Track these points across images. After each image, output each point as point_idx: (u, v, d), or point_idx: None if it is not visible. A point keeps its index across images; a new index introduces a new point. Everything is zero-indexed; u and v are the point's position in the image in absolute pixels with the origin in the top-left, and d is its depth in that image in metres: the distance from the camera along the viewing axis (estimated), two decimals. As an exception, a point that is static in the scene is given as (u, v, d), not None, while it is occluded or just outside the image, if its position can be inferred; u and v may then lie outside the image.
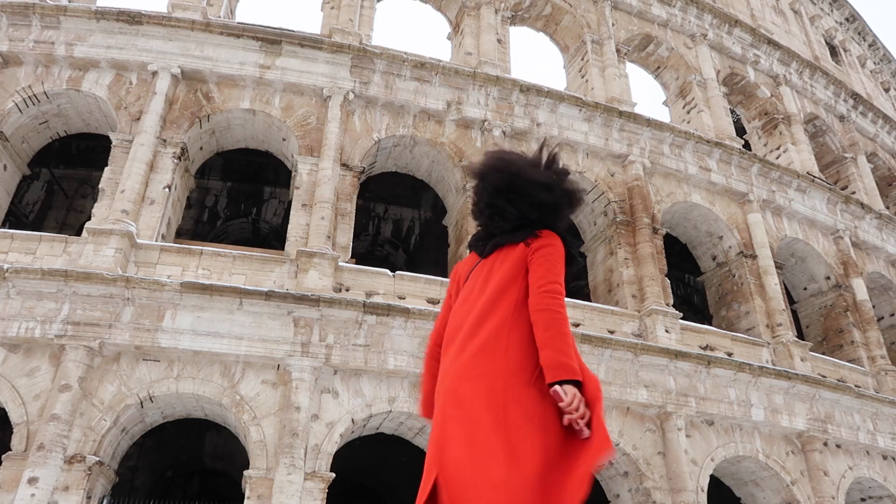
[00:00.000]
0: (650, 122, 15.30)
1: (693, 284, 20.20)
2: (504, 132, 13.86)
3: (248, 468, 9.81)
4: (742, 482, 13.38)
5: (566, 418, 2.14)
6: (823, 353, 15.74)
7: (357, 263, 12.09)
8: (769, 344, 14.08)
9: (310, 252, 11.16)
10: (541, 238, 2.46)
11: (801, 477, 12.78)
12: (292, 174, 12.87)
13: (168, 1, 13.63)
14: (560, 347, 2.24)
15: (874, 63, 28.01)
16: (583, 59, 17.23)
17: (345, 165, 12.59)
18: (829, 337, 16.59)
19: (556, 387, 2.16)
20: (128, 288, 10.14)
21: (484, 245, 2.57)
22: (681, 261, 17.41)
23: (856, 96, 22.46)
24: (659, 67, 18.92)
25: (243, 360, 10.35)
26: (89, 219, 11.26)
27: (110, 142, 12.09)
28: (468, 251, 2.69)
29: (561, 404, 2.14)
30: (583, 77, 17.02)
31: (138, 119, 12.06)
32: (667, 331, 12.68)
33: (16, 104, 12.20)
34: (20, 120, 12.45)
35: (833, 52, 25.46)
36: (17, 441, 9.21)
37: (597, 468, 2.16)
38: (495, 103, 14.16)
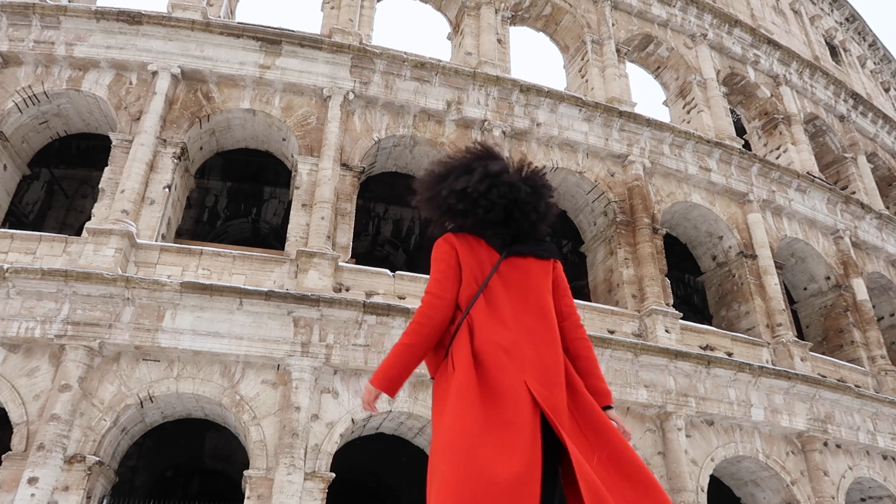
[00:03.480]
0: (650, 122, 15.31)
1: (693, 284, 20.20)
2: (504, 132, 13.86)
3: (248, 468, 9.82)
4: (742, 482, 13.38)
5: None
6: (823, 353, 15.74)
7: (357, 263, 12.09)
8: (769, 344, 14.07)
9: (310, 252, 11.16)
10: (559, 262, 2.69)
11: (801, 477, 12.78)
12: (292, 174, 12.87)
13: (168, 1, 13.63)
14: (602, 376, 2.55)
15: (874, 63, 28.01)
16: (583, 59, 17.23)
17: (345, 165, 12.59)
18: (829, 337, 16.59)
19: (610, 412, 2.46)
20: (128, 288, 10.14)
21: (502, 242, 2.60)
22: (681, 261, 17.41)
23: (856, 96, 22.46)
24: (659, 67, 18.92)
25: (243, 360, 10.35)
26: (89, 219, 11.26)
27: (110, 142, 12.09)
28: (469, 234, 2.64)
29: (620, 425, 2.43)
30: (583, 77, 17.02)
31: (138, 119, 12.06)
32: (667, 331, 12.68)
33: (16, 104, 12.20)
34: (20, 120, 12.45)
35: (833, 52, 25.46)
36: (17, 441, 9.21)
37: None
38: (495, 103, 14.16)
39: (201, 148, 13.25)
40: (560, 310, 2.58)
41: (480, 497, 2.04)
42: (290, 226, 11.91)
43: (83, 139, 15.06)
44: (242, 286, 10.54)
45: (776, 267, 15.27)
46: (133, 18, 12.74)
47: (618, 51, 17.18)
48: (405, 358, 2.42)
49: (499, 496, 2.03)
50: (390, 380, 2.42)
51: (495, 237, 2.60)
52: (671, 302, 13.39)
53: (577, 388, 2.40)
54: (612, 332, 12.49)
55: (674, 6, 18.81)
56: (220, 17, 13.99)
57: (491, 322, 2.40)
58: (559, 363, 2.40)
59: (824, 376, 13.96)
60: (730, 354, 13.32)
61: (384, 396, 10.50)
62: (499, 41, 15.78)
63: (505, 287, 2.50)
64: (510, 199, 2.60)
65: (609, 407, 2.46)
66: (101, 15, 12.68)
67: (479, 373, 2.30)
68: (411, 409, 10.68)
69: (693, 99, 17.99)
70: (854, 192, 19.81)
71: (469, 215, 2.60)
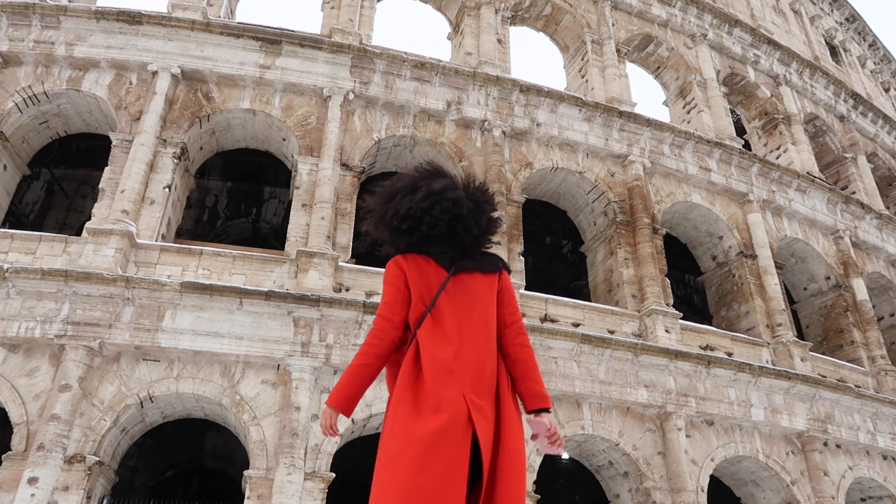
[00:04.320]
0: (650, 122, 15.30)
1: (693, 284, 20.20)
2: (504, 132, 13.86)
3: (248, 468, 9.82)
4: (742, 482, 13.38)
5: (554, 442, 2.55)
6: (823, 353, 15.74)
7: (357, 263, 12.09)
8: (769, 344, 14.07)
9: (310, 252, 11.16)
10: (505, 272, 2.79)
11: (801, 477, 12.78)
12: (292, 174, 12.87)
13: (168, 1, 13.63)
14: (541, 380, 2.63)
15: (874, 63, 28.01)
16: (583, 59, 17.23)
17: (345, 165, 12.59)
18: (829, 337, 16.58)
19: (545, 414, 2.54)
20: (128, 288, 10.14)
21: (450, 260, 2.71)
22: (681, 261, 17.41)
23: (856, 96, 22.46)
24: (659, 67, 18.92)
25: (243, 360, 10.35)
26: (89, 219, 11.26)
27: (110, 142, 12.09)
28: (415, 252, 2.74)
29: (548, 431, 2.52)
30: (583, 77, 17.02)
31: (138, 119, 12.06)
32: (667, 331, 12.68)
33: (16, 104, 12.20)
34: (20, 120, 12.45)
35: (833, 52, 25.46)
36: (17, 441, 9.21)
37: None
38: (495, 103, 14.15)
39: (201, 148, 13.25)
40: (503, 318, 2.68)
41: None
42: (290, 226, 11.91)
43: (83, 139, 15.06)
44: (242, 286, 10.54)
45: (776, 267, 15.26)
46: (133, 18, 12.74)
47: (618, 51, 17.18)
48: (358, 378, 2.54)
49: None
50: (345, 399, 2.54)
51: (444, 255, 2.70)
52: (671, 302, 13.39)
53: (504, 401, 2.50)
54: (612, 332, 12.49)
55: (674, 6, 18.81)
56: (220, 17, 13.98)
57: (435, 339, 2.50)
58: (494, 375, 2.52)
59: (824, 376, 13.96)
60: (730, 354, 13.32)
61: (383, 396, 10.55)
62: (499, 41, 15.78)
63: (451, 304, 2.60)
64: (453, 215, 2.70)
65: (546, 410, 2.56)
66: (101, 15, 12.68)
67: (420, 389, 2.41)
68: (411, 409, 10.66)
69: (693, 99, 17.99)
70: (854, 192, 19.81)
71: (414, 233, 2.71)
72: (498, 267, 2.76)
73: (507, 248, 12.57)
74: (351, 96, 13.15)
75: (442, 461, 2.25)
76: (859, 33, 28.32)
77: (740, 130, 20.25)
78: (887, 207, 21.50)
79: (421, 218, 2.68)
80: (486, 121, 13.85)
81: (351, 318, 10.70)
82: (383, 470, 2.30)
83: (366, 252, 18.28)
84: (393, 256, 2.77)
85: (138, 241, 10.90)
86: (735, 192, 15.93)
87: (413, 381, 2.43)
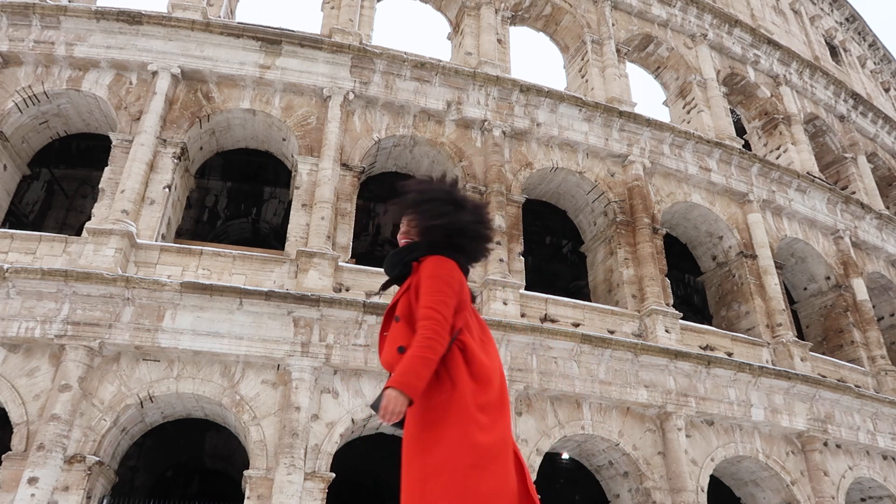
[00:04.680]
0: (650, 122, 15.30)
1: (693, 284, 20.20)
2: (504, 132, 13.86)
3: (248, 468, 9.82)
4: (742, 482, 13.38)
5: None
6: (823, 353, 15.74)
7: (357, 263, 12.09)
8: (769, 344, 14.07)
9: (310, 252, 11.16)
10: None
11: (801, 477, 12.78)
12: (292, 174, 12.87)
13: (168, 1, 13.63)
14: None
15: (874, 63, 28.00)
16: (583, 59, 17.22)
17: (345, 165, 12.59)
18: (829, 337, 16.58)
19: None
20: (128, 288, 10.14)
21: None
22: (681, 261, 17.41)
23: (856, 96, 22.45)
24: (659, 67, 18.92)
25: (243, 360, 10.35)
26: (89, 219, 11.26)
27: (110, 142, 12.09)
28: (459, 266, 2.79)
29: None
30: (583, 77, 17.01)
31: (138, 119, 12.06)
32: (667, 331, 12.68)
33: (16, 104, 12.20)
34: (20, 120, 12.45)
35: (833, 52, 25.46)
36: (17, 441, 9.21)
37: None
38: (495, 103, 14.15)
39: (201, 148, 13.25)
40: None
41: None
42: (290, 226, 11.90)
43: (83, 139, 15.06)
44: (242, 286, 10.54)
45: (776, 267, 15.26)
46: (133, 18, 12.74)
47: (618, 51, 17.18)
48: (429, 371, 2.52)
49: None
50: (418, 390, 2.53)
51: (467, 275, 2.83)
52: (671, 302, 13.38)
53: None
54: (612, 332, 12.49)
55: (674, 6, 18.81)
56: (220, 17, 13.98)
57: (483, 351, 2.65)
58: None
59: (824, 376, 13.96)
60: (730, 354, 13.32)
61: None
62: (499, 41, 15.78)
63: (476, 324, 2.76)
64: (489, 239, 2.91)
65: None
66: (101, 15, 12.68)
67: (479, 396, 2.53)
68: (411, 409, 10.65)
69: (693, 99, 17.99)
70: (854, 192, 19.81)
71: (483, 253, 2.87)
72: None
73: (507, 248, 12.57)
74: (351, 96, 13.15)
75: (520, 462, 2.55)
76: (859, 33, 28.32)
77: (740, 130, 20.25)
78: (887, 207, 21.50)
79: (488, 236, 2.87)
80: (486, 121, 13.85)
81: (351, 318, 10.70)
82: (479, 471, 2.38)
83: (366, 252, 18.31)
84: (431, 255, 2.73)
85: (138, 241, 10.90)
86: (735, 192, 15.93)
87: (468, 388, 2.53)
